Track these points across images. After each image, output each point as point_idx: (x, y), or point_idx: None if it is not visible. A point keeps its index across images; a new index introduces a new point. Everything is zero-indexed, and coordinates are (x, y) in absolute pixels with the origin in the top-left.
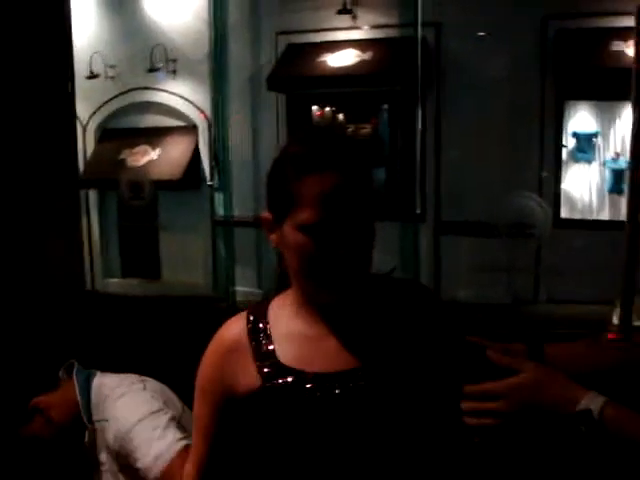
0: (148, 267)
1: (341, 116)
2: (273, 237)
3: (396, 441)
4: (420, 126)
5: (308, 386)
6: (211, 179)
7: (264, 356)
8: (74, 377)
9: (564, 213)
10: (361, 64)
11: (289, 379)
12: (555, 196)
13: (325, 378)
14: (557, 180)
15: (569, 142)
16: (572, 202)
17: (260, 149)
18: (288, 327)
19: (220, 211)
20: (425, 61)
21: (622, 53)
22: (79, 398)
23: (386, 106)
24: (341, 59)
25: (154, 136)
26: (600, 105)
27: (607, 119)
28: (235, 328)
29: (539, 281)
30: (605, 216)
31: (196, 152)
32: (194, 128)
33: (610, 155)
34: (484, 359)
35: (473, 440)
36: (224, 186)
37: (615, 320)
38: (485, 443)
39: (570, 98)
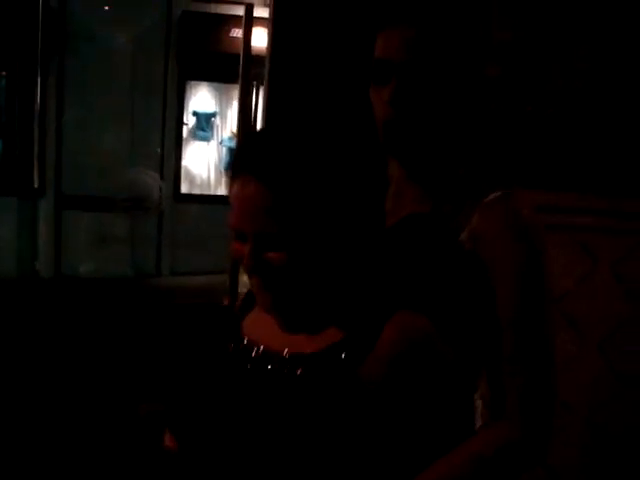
0: None
1: None
2: None
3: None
4: (39, 95)
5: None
6: None
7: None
8: None
9: (184, 188)
10: None
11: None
12: (175, 172)
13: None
14: (178, 157)
15: (190, 120)
16: (192, 178)
17: None
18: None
19: None
20: (47, 26)
21: (238, 39)
22: None
23: (4, 73)
24: None
25: None
26: (219, 87)
27: (225, 100)
28: None
29: (161, 254)
30: (222, 191)
31: None
32: None
33: (227, 134)
34: None
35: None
36: None
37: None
38: None
39: (191, 78)
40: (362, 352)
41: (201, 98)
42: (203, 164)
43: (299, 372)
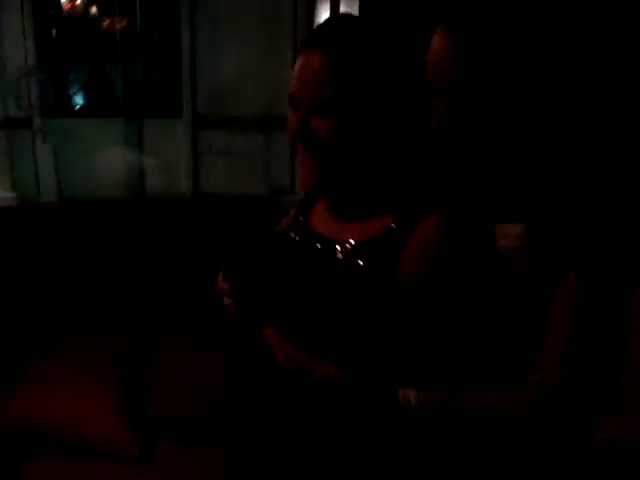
0: None
1: (94, 9)
2: None
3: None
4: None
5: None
6: None
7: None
8: None
9: None
10: None
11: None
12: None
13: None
14: None
15: None
16: None
17: (5, 48)
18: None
19: None
20: None
21: None
22: None
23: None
24: None
25: None
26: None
27: None
28: None
29: (294, 171)
30: None
31: None
32: None
33: None
34: None
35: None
36: None
37: None
38: None
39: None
40: (400, 246)
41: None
42: None
43: (341, 258)
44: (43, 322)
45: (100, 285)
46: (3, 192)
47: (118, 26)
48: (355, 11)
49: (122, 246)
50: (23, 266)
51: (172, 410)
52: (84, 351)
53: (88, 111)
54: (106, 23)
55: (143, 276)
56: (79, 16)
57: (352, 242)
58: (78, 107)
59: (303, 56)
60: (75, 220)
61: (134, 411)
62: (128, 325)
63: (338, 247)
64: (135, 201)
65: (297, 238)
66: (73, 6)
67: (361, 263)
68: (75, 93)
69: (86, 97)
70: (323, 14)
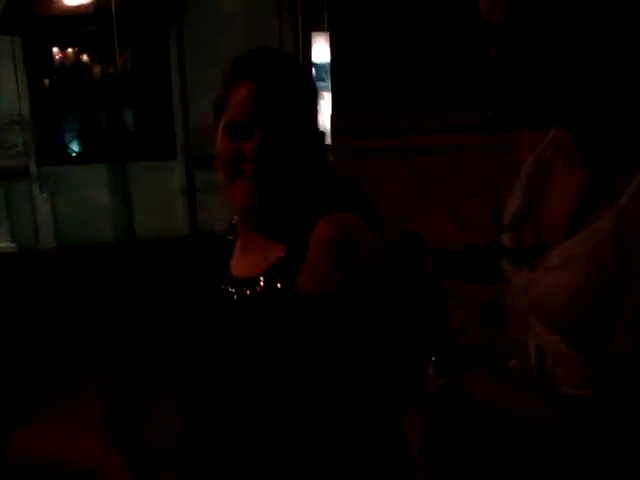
0: None
1: (85, 57)
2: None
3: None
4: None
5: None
6: None
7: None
8: None
9: None
10: (102, 1)
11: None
12: None
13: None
14: None
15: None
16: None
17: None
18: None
19: None
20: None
21: None
22: None
23: (132, 44)
24: None
25: None
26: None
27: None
28: None
29: None
30: None
31: None
32: None
33: None
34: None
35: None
36: None
37: None
38: None
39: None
40: (300, 262)
41: (318, 49)
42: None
43: (249, 293)
44: (41, 366)
45: (99, 326)
46: (3, 242)
47: (110, 71)
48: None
49: (123, 286)
50: (23, 310)
51: (171, 441)
52: (77, 394)
53: (83, 158)
54: (97, 70)
55: (143, 316)
56: (71, 64)
57: (260, 277)
58: (74, 154)
59: (247, 85)
60: (73, 265)
61: (127, 444)
62: (123, 365)
63: (247, 286)
64: (132, 243)
65: (224, 288)
66: (64, 56)
67: (267, 292)
68: (70, 140)
69: (81, 144)
70: (313, 47)
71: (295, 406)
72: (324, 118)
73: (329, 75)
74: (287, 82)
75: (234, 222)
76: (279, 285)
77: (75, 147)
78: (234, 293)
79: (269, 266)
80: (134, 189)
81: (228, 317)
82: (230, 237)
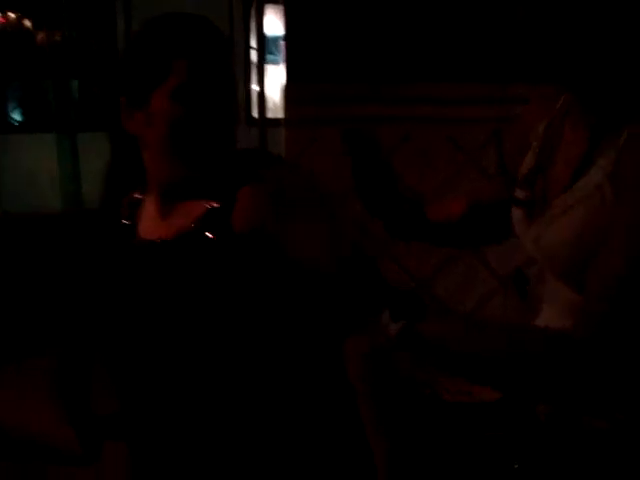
0: None
1: (28, 22)
2: (132, 122)
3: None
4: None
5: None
6: None
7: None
8: None
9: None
10: None
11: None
12: (246, 95)
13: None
14: (247, 81)
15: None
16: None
17: None
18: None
19: None
20: None
21: None
22: None
23: (79, 11)
24: None
25: None
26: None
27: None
28: None
29: None
30: None
31: None
32: None
33: None
34: None
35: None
36: None
37: None
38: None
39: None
40: (222, 223)
41: (269, 21)
42: (274, 88)
43: (178, 242)
44: None
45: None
46: None
47: (55, 38)
48: None
49: (64, 258)
50: None
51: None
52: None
53: (28, 126)
54: (41, 36)
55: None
56: (12, 30)
57: (191, 224)
58: (17, 124)
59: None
60: (17, 234)
61: (74, 412)
62: (64, 341)
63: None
64: (75, 212)
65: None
66: (6, 20)
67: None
68: (13, 109)
69: (24, 113)
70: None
71: (233, 348)
72: (272, 89)
73: (279, 48)
74: (217, 62)
75: (133, 201)
76: (211, 230)
77: (18, 116)
78: (158, 246)
79: (198, 216)
80: (82, 159)
81: (154, 269)
82: (127, 222)
